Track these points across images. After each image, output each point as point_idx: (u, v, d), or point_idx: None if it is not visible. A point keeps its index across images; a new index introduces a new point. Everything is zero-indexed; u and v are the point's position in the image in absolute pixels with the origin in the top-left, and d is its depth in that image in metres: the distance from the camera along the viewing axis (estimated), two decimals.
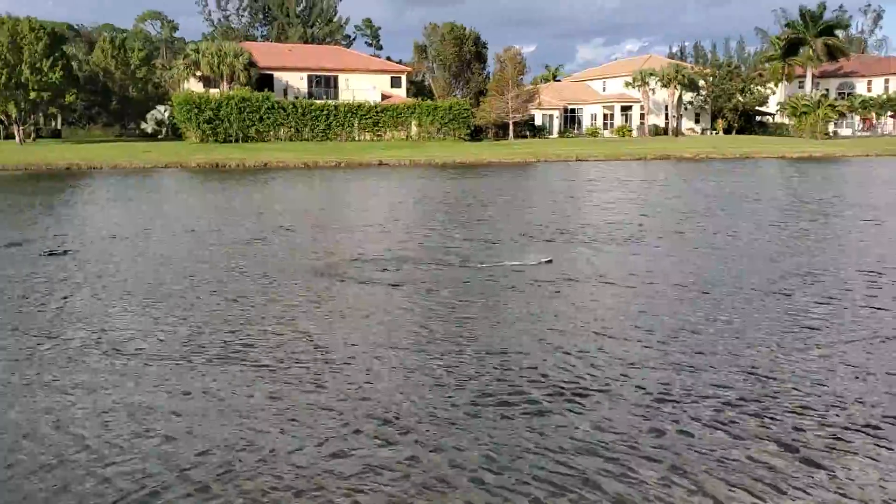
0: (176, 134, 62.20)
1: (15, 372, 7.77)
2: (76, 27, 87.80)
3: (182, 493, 5.31)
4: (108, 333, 9.14)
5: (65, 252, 14.80)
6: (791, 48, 75.47)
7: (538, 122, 71.58)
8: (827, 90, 76.48)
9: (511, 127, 64.46)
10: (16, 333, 9.15)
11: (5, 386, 7.41)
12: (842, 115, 70.71)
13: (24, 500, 5.25)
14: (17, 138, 54.06)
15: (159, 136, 67.24)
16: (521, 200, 24.97)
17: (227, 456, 5.84)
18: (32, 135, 58.21)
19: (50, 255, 14.49)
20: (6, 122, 58.94)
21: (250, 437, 6.18)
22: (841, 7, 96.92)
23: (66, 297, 10.98)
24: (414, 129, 60.69)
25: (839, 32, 78.69)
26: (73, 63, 60.45)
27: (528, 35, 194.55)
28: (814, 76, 76.46)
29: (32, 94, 51.41)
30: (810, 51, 73.97)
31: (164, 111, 68.71)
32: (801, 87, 76.20)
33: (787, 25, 77.13)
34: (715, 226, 18.42)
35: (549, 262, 13.28)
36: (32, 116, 56.45)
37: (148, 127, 70.48)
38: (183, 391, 7.22)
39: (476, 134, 63.54)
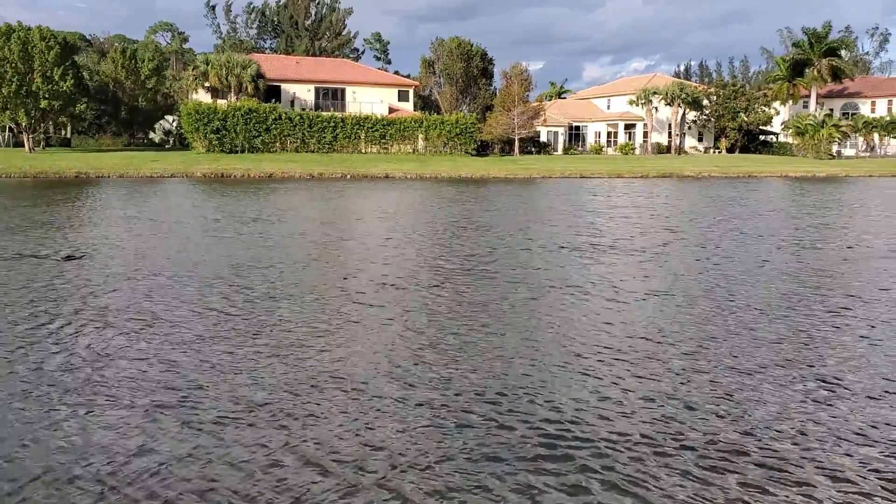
0: (183, 144, 62.75)
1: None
2: (88, 37, 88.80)
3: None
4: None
5: (81, 256, 15.34)
6: (796, 68, 75.92)
7: (543, 138, 71.98)
8: (831, 110, 76.79)
9: (516, 143, 64.89)
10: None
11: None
12: (845, 135, 70.97)
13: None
14: (26, 146, 54.62)
15: (167, 146, 67.82)
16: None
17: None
18: (42, 143, 58.79)
19: (67, 259, 14.99)
20: (16, 131, 59.56)
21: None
22: (847, 28, 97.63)
23: (100, 294, 11.34)
24: (420, 142, 61.09)
25: (844, 53, 79.07)
26: (83, 73, 61.14)
27: (537, 52, 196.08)
28: (818, 96, 76.84)
29: (43, 103, 51.94)
30: (815, 71, 74.36)
31: (172, 121, 69.37)
32: (806, 106, 76.57)
33: (794, 45, 77.61)
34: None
35: None
36: (42, 125, 56.99)
37: (156, 137, 71.11)
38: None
39: (482, 149, 63.96)
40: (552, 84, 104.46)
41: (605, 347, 9.24)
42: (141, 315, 10.61)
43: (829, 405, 7.38)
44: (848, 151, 75.85)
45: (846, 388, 7.83)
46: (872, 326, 10.39)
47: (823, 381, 8.05)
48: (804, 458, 6.20)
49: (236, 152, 55.18)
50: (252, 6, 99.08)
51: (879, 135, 75.39)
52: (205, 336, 9.57)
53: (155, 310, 10.92)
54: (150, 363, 8.44)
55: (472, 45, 68.18)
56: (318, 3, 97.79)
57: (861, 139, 76.38)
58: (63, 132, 66.03)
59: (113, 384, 7.74)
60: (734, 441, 6.50)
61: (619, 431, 6.68)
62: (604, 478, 5.84)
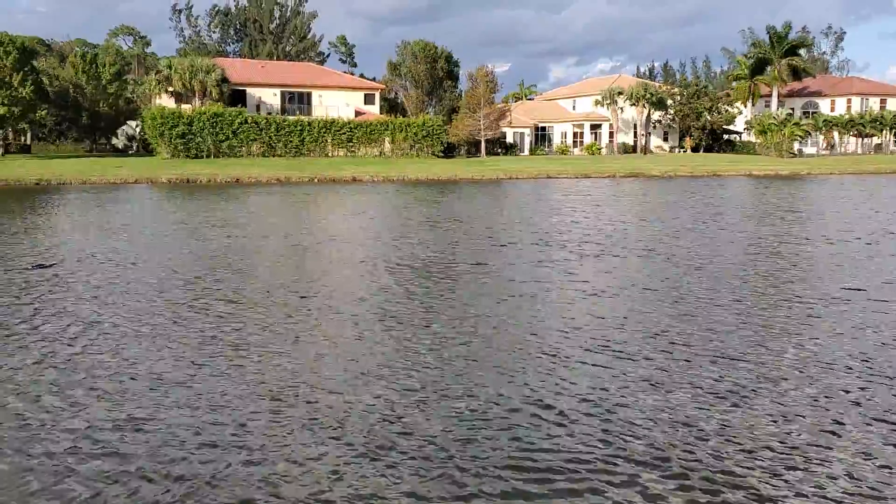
0: (147, 149, 61.90)
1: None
2: (47, 42, 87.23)
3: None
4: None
5: (51, 265, 15.24)
6: (757, 68, 77.07)
7: (510, 139, 72.27)
8: (792, 109, 78.13)
9: (483, 144, 65.04)
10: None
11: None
12: (807, 133, 72.20)
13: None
14: None
15: (130, 152, 66.96)
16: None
17: None
18: (1, 150, 57.66)
19: (35, 268, 14.90)
20: None
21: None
22: (804, 28, 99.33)
23: (70, 302, 11.14)
24: (387, 145, 61.00)
25: (803, 52, 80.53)
26: (43, 78, 60.01)
27: (503, 54, 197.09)
28: (779, 95, 78.08)
29: (1, 110, 50.91)
30: (776, 70, 75.56)
31: (136, 126, 68.47)
32: (768, 105, 77.75)
33: (753, 45, 78.78)
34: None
35: None
36: (0, 132, 55.85)
37: (119, 142, 70.19)
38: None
39: (449, 151, 64.04)
40: (520, 86, 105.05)
41: (594, 340, 9.29)
42: (115, 323, 10.45)
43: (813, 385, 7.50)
44: (809, 150, 77.15)
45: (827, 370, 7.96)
46: (848, 318, 10.58)
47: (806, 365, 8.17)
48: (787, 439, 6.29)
49: (202, 157, 54.51)
50: (216, 8, 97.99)
51: (839, 133, 76.82)
52: (180, 343, 9.44)
53: (127, 317, 10.76)
54: (128, 370, 8.31)
55: (437, 48, 68.23)
56: (283, 7, 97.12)
57: (821, 138, 77.72)
58: (23, 139, 64.80)
59: (94, 390, 7.61)
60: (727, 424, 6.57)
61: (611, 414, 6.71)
62: (598, 460, 5.86)
